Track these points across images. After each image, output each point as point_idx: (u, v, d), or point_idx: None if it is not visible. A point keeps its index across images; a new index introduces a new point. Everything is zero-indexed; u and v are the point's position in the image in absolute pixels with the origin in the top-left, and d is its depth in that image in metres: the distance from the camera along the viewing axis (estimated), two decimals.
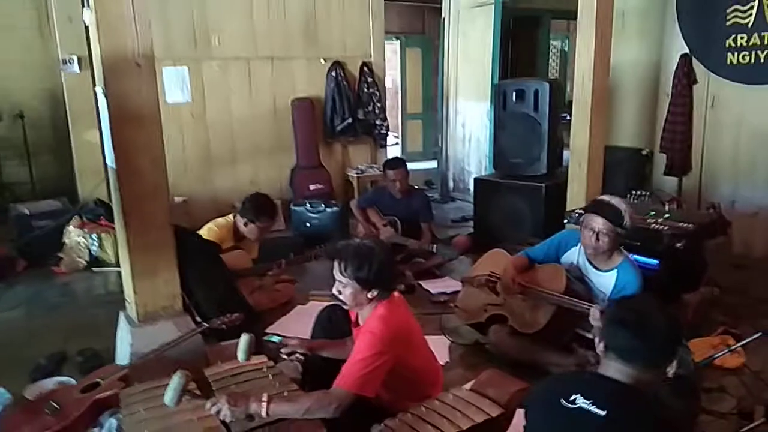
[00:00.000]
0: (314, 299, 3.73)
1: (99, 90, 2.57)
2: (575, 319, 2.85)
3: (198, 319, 2.87)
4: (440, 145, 7.50)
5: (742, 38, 4.55)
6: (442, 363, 2.99)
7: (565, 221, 3.86)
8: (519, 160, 4.85)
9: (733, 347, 2.62)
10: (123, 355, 2.74)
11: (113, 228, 3.58)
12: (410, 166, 4.77)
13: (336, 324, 2.49)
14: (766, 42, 4.41)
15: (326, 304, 2.72)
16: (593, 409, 1.42)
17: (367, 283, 2.06)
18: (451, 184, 7.44)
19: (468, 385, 2.26)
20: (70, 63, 5.05)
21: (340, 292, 2.12)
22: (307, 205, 5.28)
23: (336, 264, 2.09)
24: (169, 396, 1.83)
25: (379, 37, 6.26)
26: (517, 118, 4.80)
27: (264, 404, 1.88)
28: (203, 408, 1.93)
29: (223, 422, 1.91)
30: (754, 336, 2.52)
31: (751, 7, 4.46)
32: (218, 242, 3.42)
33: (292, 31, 5.85)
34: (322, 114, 6.02)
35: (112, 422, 2.19)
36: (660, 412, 1.48)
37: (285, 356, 2.45)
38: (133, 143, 2.52)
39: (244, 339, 2.15)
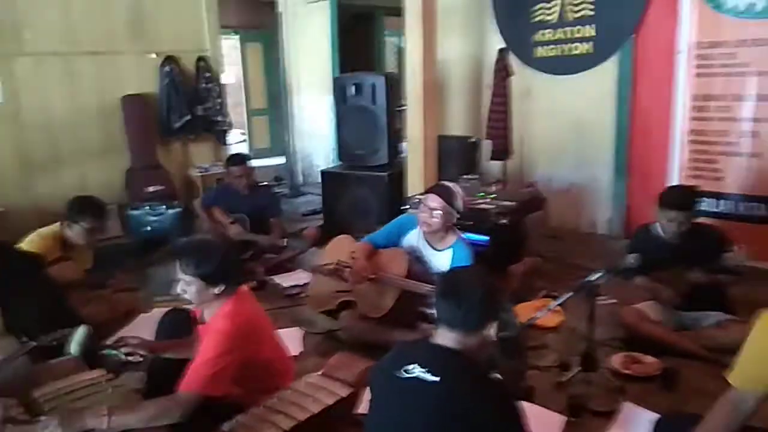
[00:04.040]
0: (158, 306, 3.55)
1: None
2: (418, 299, 3.04)
3: (24, 339, 2.61)
4: (287, 140, 7.48)
5: (548, 33, 5.12)
6: (296, 353, 3.04)
7: (405, 207, 4.09)
8: (361, 152, 5.03)
9: (551, 307, 2.96)
10: None
11: None
12: (258, 162, 4.74)
13: (179, 327, 2.41)
14: (568, 37, 5.00)
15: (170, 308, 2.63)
16: (428, 376, 1.54)
17: (211, 278, 2.03)
18: (300, 179, 7.48)
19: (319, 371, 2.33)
20: None
21: (185, 291, 2.07)
22: (147, 207, 4.99)
23: (178, 263, 2.05)
24: None
25: (215, 30, 6.06)
26: (357, 111, 4.98)
27: (104, 417, 1.78)
28: None
29: None
30: (567, 296, 2.87)
31: (555, 5, 5.03)
32: (43, 253, 3.13)
33: (117, 24, 5.45)
34: (157, 112, 5.70)
35: None
36: (487, 374, 1.64)
37: (123, 355, 2.31)
38: None
39: (80, 331, 2.00)
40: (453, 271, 2.06)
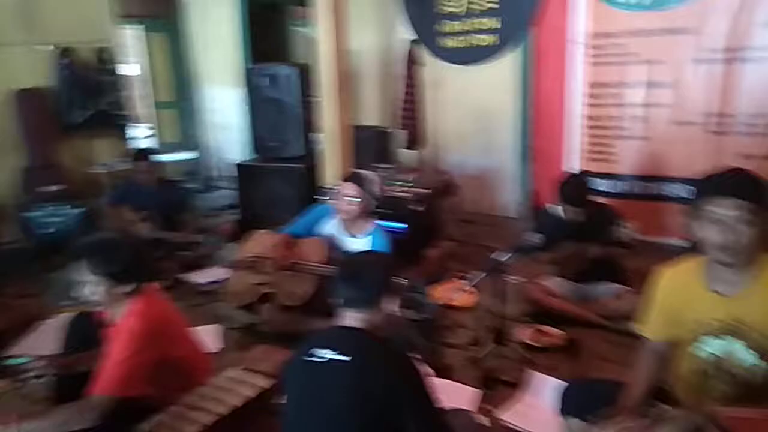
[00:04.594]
0: (63, 311, 3.38)
1: None
2: None
3: None
4: (199, 134, 7.27)
5: (455, 25, 5.28)
6: (215, 350, 3.00)
7: (321, 197, 4.12)
8: (276, 144, 4.99)
9: (466, 288, 3.10)
10: None
11: None
12: (168, 157, 4.58)
13: (87, 331, 2.31)
14: (475, 28, 5.18)
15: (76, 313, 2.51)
16: (340, 357, 1.60)
17: (119, 277, 1.97)
18: (214, 173, 7.28)
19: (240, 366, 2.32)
20: None
21: (92, 292, 1.99)
22: (46, 208, 4.70)
23: (83, 263, 1.96)
24: None
25: (115, 21, 5.76)
26: (271, 103, 4.92)
27: (14, 425, 1.72)
28: None
29: None
30: (480, 277, 3.01)
31: None
32: None
33: (4, 14, 5.06)
34: (55, 106, 5.36)
35: None
36: (397, 350, 1.69)
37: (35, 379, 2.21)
38: None
39: None
40: (350, 256, 2.15)
